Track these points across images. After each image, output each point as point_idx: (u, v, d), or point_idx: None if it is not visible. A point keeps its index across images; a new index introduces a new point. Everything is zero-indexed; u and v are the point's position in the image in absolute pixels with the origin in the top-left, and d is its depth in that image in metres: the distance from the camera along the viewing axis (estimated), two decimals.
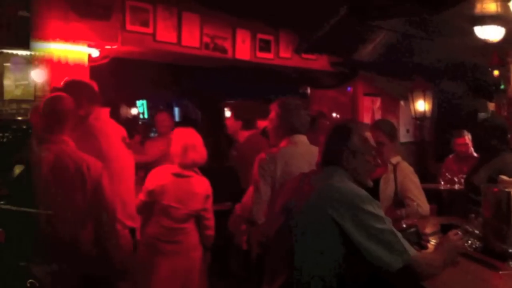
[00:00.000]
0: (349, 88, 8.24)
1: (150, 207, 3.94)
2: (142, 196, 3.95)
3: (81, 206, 2.98)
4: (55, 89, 3.49)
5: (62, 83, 3.55)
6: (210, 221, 4.11)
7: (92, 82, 3.73)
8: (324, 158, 2.56)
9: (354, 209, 2.29)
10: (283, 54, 6.83)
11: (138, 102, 11.45)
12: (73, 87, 3.44)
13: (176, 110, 12.15)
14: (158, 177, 3.95)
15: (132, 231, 3.75)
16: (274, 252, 2.65)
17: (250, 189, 3.49)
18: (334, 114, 8.46)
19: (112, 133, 3.64)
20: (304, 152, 3.41)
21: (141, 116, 11.47)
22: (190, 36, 5.79)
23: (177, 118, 12.47)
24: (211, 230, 4.14)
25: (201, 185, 4.03)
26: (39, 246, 2.86)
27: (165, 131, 6.02)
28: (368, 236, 2.27)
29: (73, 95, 3.18)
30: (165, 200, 3.89)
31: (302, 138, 3.48)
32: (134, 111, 11.04)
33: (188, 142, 3.97)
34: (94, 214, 3.05)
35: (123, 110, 10.43)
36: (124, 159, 3.65)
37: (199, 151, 3.99)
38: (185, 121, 11.06)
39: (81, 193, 2.97)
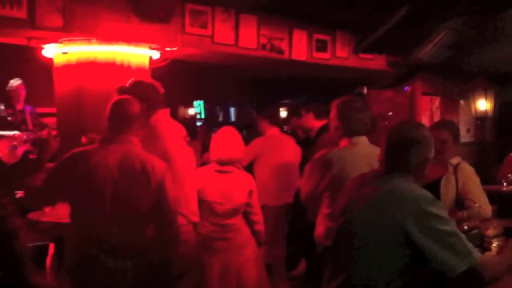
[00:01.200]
0: (406, 88, 8.12)
1: (199, 206, 4.04)
2: None
3: (144, 205, 3.06)
4: (121, 89, 3.58)
5: (128, 84, 3.64)
6: (257, 216, 4.18)
7: (157, 83, 3.81)
8: (386, 160, 2.54)
9: (418, 211, 2.27)
10: (340, 54, 6.81)
11: (195, 103, 11.61)
12: (138, 88, 3.53)
13: (232, 110, 12.27)
14: (201, 175, 4.04)
15: None
16: (334, 252, 2.66)
17: None
18: (390, 114, 8.36)
19: (173, 132, 3.73)
20: (363, 153, 3.38)
21: (198, 116, 11.63)
22: (247, 37, 5.86)
23: (232, 118, 12.60)
24: (259, 225, 4.20)
25: (243, 180, 4.11)
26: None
27: None
28: (431, 238, 2.25)
29: (138, 96, 3.28)
30: (209, 197, 3.97)
31: (362, 139, 3.46)
32: (191, 111, 11.19)
33: (225, 139, 4.09)
34: (156, 213, 3.14)
35: (181, 111, 10.60)
36: (186, 157, 3.73)
37: (235, 148, 4.08)
38: (241, 121, 11.18)
39: (146, 192, 3.04)
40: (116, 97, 3.24)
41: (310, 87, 9.51)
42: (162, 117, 3.65)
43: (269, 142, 5.76)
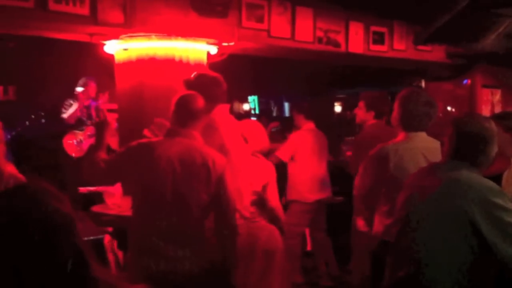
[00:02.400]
0: (466, 80, 7.93)
1: None
2: None
3: (203, 198, 3.11)
4: (186, 82, 3.63)
5: (195, 75, 3.68)
6: (273, 203, 4.13)
7: (221, 77, 3.84)
8: (452, 152, 2.50)
9: (485, 202, 2.23)
10: (397, 46, 6.70)
11: (250, 98, 11.67)
12: (202, 81, 3.57)
13: (286, 105, 12.26)
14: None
15: None
16: (396, 247, 2.63)
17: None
18: (449, 108, 8.19)
19: (231, 127, 3.77)
20: (420, 147, 3.33)
21: (252, 111, 11.68)
22: (303, 31, 5.83)
23: (287, 113, 12.59)
24: (274, 212, 4.16)
25: (261, 169, 4.13)
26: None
27: None
28: (498, 229, 2.21)
29: (200, 89, 3.32)
30: None
31: (420, 133, 3.40)
32: (246, 106, 11.26)
33: (246, 131, 4.14)
34: (216, 207, 3.18)
35: (236, 106, 10.68)
36: (242, 152, 3.76)
37: (257, 140, 4.14)
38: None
39: (205, 186, 3.10)
40: (182, 92, 3.30)
41: (366, 78, 9.41)
42: (221, 112, 3.69)
43: (303, 137, 5.76)
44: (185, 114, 3.18)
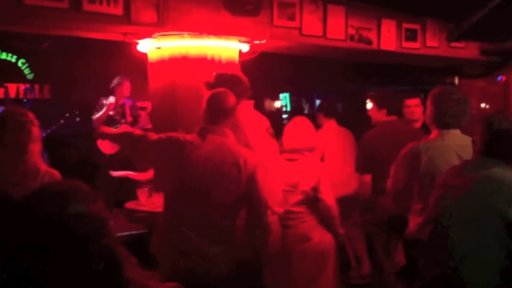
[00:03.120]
0: (500, 77, 7.80)
1: None
2: None
3: (232, 196, 3.12)
4: (207, 83, 3.65)
5: (214, 75, 3.71)
6: (325, 202, 4.13)
7: (242, 75, 3.86)
8: (485, 149, 2.47)
9: None
10: (430, 43, 6.61)
11: (281, 95, 11.65)
12: (225, 81, 3.59)
13: (318, 102, 12.21)
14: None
15: None
16: (429, 246, 2.61)
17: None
18: (483, 105, 8.06)
19: (255, 123, 3.77)
20: (453, 145, 3.30)
21: (284, 109, 11.67)
22: (335, 29, 5.80)
23: None
24: (330, 212, 4.16)
25: (311, 167, 4.11)
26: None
27: None
28: None
29: (223, 87, 3.34)
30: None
31: (453, 131, 3.37)
32: (277, 104, 11.26)
33: (295, 128, 4.18)
34: (247, 206, 3.19)
35: (267, 103, 10.68)
36: (268, 148, 3.76)
37: (305, 137, 4.14)
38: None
39: (235, 185, 3.11)
40: (213, 90, 3.32)
41: (398, 76, 9.33)
42: (244, 108, 3.70)
43: (323, 136, 5.73)
44: (216, 112, 3.20)
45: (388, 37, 6.26)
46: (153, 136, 3.26)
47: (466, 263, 2.34)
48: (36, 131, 3.16)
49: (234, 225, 3.22)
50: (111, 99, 7.02)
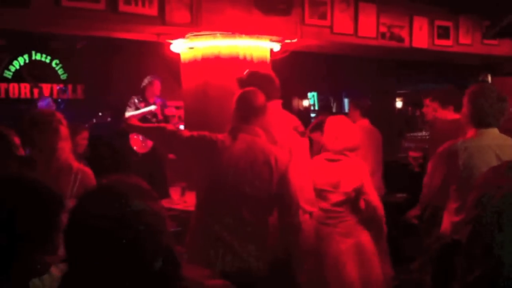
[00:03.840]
0: None
1: None
2: None
3: (264, 195, 3.13)
4: (239, 81, 3.67)
5: (246, 73, 3.72)
6: (371, 203, 4.09)
7: (272, 74, 3.87)
8: None
9: None
10: (463, 41, 6.54)
11: (309, 94, 11.64)
12: (257, 79, 3.61)
13: (346, 101, 12.17)
14: (313, 164, 4.08)
15: None
16: (469, 246, 2.59)
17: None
18: None
19: (283, 123, 3.77)
20: (493, 144, 3.25)
21: (312, 108, 11.66)
22: (366, 27, 5.78)
23: (346, 110, 12.48)
24: (377, 212, 4.12)
25: (353, 168, 4.07)
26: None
27: None
28: None
29: (253, 86, 3.36)
30: (319, 185, 3.99)
31: (492, 130, 3.31)
32: (305, 103, 11.26)
33: (339, 128, 4.10)
34: (278, 204, 3.20)
35: (295, 102, 10.69)
36: (298, 146, 3.75)
37: (350, 137, 4.08)
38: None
39: (267, 184, 3.12)
40: (243, 89, 3.34)
41: (429, 74, 9.24)
42: (272, 108, 3.71)
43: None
44: (247, 111, 3.22)
45: (420, 34, 6.21)
46: (186, 133, 3.29)
47: (508, 263, 2.32)
48: (64, 130, 3.27)
49: (266, 224, 3.23)
50: (152, 107, 7.06)
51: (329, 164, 4.09)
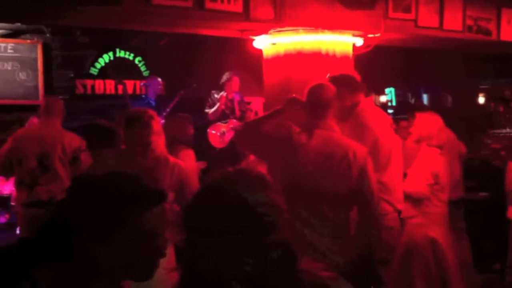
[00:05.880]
0: None
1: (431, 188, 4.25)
2: None
3: (343, 189, 3.10)
4: (333, 80, 3.66)
5: (328, 78, 3.73)
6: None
7: (355, 73, 3.85)
8: None
9: None
10: None
11: (387, 90, 11.42)
12: (335, 81, 3.59)
13: (425, 97, 11.88)
14: (436, 160, 4.26)
15: None
16: None
17: None
18: None
19: (380, 120, 3.73)
20: None
21: (389, 103, 11.43)
22: (452, 20, 5.62)
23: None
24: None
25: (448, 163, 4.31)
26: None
27: None
28: None
29: (336, 88, 3.33)
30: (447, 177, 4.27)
31: None
32: (383, 98, 11.06)
33: (441, 123, 4.28)
34: (358, 198, 3.16)
35: (373, 98, 10.52)
36: (393, 144, 3.70)
37: (437, 134, 4.25)
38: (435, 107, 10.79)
39: (346, 178, 3.08)
40: (311, 84, 3.34)
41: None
42: (367, 106, 3.67)
43: None
44: (318, 105, 3.19)
45: (508, 27, 5.99)
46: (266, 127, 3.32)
47: None
48: (156, 125, 3.40)
49: (348, 220, 3.20)
50: (223, 93, 7.22)
51: (432, 158, 4.26)
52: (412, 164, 4.26)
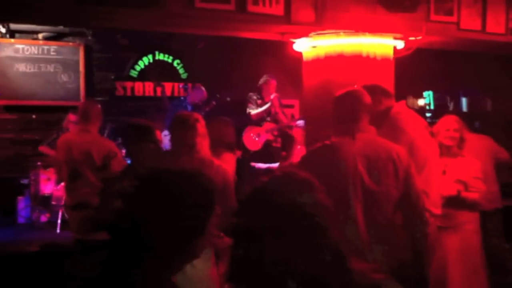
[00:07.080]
0: None
1: None
2: None
3: (394, 193, 3.07)
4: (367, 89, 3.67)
5: (361, 87, 3.72)
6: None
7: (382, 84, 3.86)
8: None
9: None
10: None
11: (425, 93, 11.27)
12: (366, 89, 3.58)
13: (463, 100, 11.68)
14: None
15: None
16: None
17: None
18: None
19: (416, 123, 3.69)
20: None
21: (427, 107, 11.27)
22: (494, 22, 5.54)
23: (464, 109, 11.97)
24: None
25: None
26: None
27: None
28: None
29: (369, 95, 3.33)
30: None
31: None
32: (421, 102, 10.91)
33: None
34: (405, 202, 3.13)
35: (410, 102, 10.40)
36: (429, 147, 3.66)
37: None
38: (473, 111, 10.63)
39: (394, 181, 3.05)
40: (343, 90, 3.34)
41: None
42: (401, 109, 3.64)
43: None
44: (355, 110, 3.17)
45: None
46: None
47: None
48: (201, 127, 3.45)
49: (394, 224, 3.17)
50: (273, 95, 7.23)
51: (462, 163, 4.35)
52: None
